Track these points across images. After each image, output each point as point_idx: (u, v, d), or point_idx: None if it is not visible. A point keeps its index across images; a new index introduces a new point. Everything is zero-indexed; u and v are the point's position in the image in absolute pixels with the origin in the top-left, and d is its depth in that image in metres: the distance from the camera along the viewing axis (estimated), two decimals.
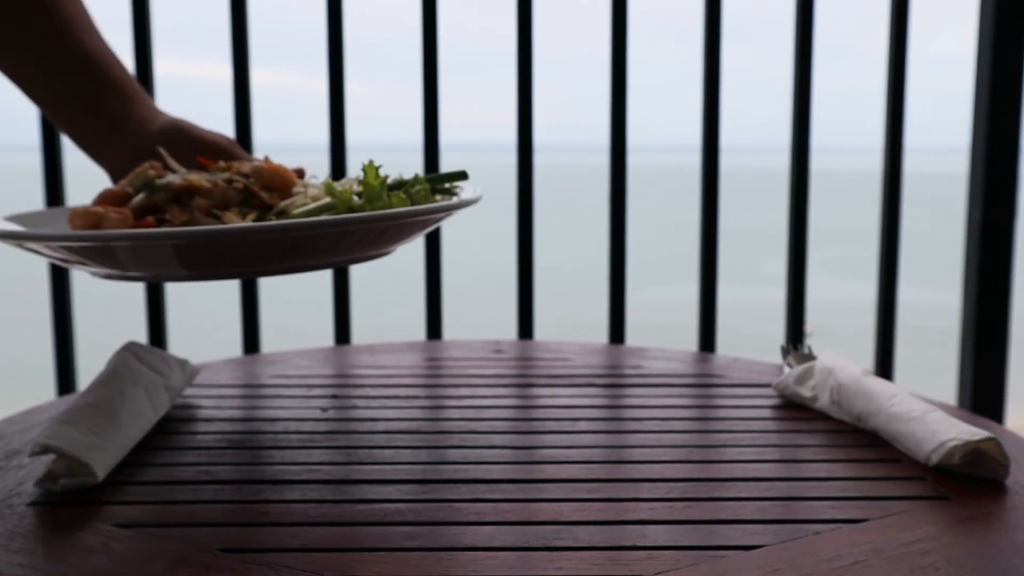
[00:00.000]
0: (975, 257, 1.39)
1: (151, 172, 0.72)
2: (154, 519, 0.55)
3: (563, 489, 0.60)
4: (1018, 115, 1.35)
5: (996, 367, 1.38)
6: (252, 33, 1.31)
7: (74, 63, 0.82)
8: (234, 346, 1.39)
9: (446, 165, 1.38)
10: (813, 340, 0.96)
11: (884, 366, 1.41)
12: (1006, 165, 1.37)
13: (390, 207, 0.68)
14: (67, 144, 1.47)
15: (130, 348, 0.77)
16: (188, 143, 0.80)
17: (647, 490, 0.60)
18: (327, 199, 0.69)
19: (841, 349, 0.80)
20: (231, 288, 1.45)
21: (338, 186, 0.70)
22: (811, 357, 0.84)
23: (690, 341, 1.37)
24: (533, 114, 1.36)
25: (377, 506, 0.57)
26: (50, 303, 1.38)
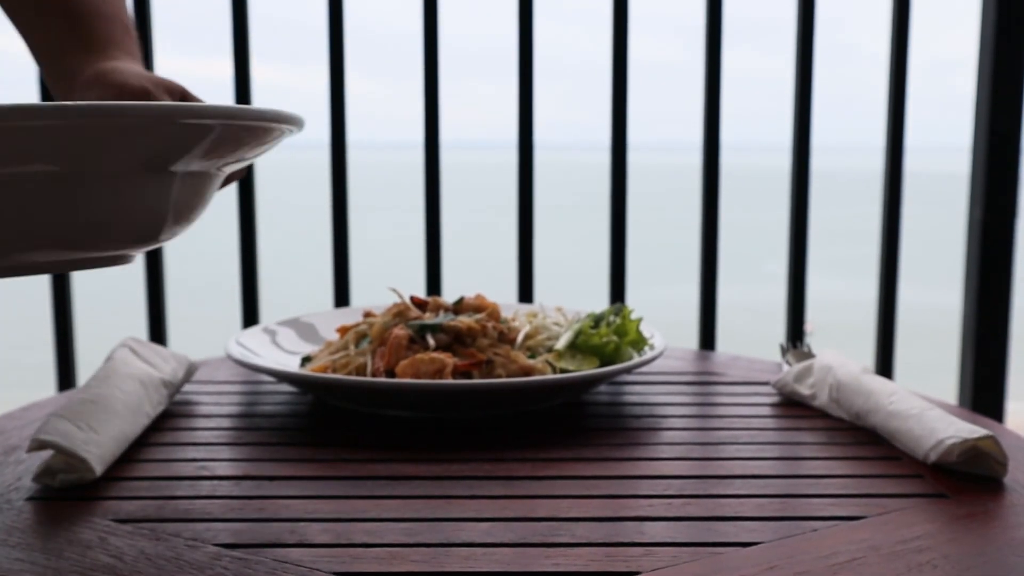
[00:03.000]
0: (976, 256, 1.39)
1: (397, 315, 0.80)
2: (151, 514, 0.55)
3: (561, 486, 0.60)
4: (1019, 115, 1.35)
5: (996, 366, 1.38)
6: (252, 29, 1.31)
7: (58, 13, 0.73)
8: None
9: (446, 163, 1.38)
10: (814, 339, 0.96)
11: (885, 365, 1.41)
12: (1007, 165, 1.36)
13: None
14: None
15: (129, 344, 0.77)
16: (110, 96, 0.69)
17: (645, 487, 0.60)
18: (570, 333, 0.80)
19: (842, 348, 0.80)
20: (231, 286, 1.45)
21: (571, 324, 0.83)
22: (810, 355, 0.84)
23: (690, 339, 1.37)
24: (534, 112, 1.36)
25: (374, 502, 0.57)
26: (50, 298, 1.38)
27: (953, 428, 0.62)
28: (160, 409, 0.72)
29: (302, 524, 0.54)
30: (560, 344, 0.79)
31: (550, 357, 0.78)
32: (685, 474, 0.62)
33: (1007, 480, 0.60)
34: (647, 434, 0.71)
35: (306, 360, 0.82)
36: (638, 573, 0.48)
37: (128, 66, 0.70)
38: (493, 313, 0.81)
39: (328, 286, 1.38)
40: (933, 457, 0.61)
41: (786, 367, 0.83)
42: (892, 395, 0.68)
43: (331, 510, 0.56)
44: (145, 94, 0.68)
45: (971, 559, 0.49)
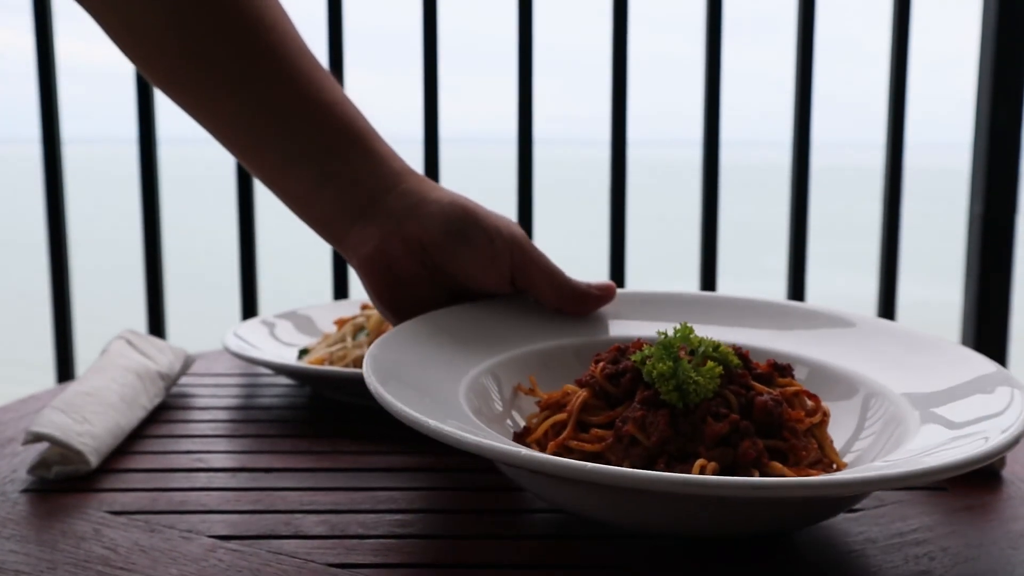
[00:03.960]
0: (976, 252, 1.39)
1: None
2: (147, 506, 0.55)
3: None
4: (1019, 110, 1.35)
5: (996, 361, 1.38)
6: None
7: (307, 113, 0.61)
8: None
9: (445, 159, 1.38)
10: None
11: None
12: (1007, 160, 1.36)
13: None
14: (67, 137, 1.47)
15: (125, 336, 0.77)
16: (475, 235, 0.61)
17: None
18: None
19: None
20: (231, 279, 1.45)
21: None
22: None
23: None
24: (533, 107, 1.35)
25: (369, 494, 0.57)
26: (49, 292, 1.38)
27: None
28: (157, 401, 0.72)
29: (297, 516, 0.54)
30: None
31: None
32: None
33: (1005, 473, 0.60)
34: None
35: (303, 352, 0.82)
36: (632, 566, 0.48)
37: (479, 206, 0.63)
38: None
39: (327, 279, 1.38)
40: None
41: None
42: None
43: (327, 502, 0.56)
44: (522, 243, 0.63)
45: (969, 551, 0.49)
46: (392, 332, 0.59)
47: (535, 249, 0.63)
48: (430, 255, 0.62)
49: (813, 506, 0.47)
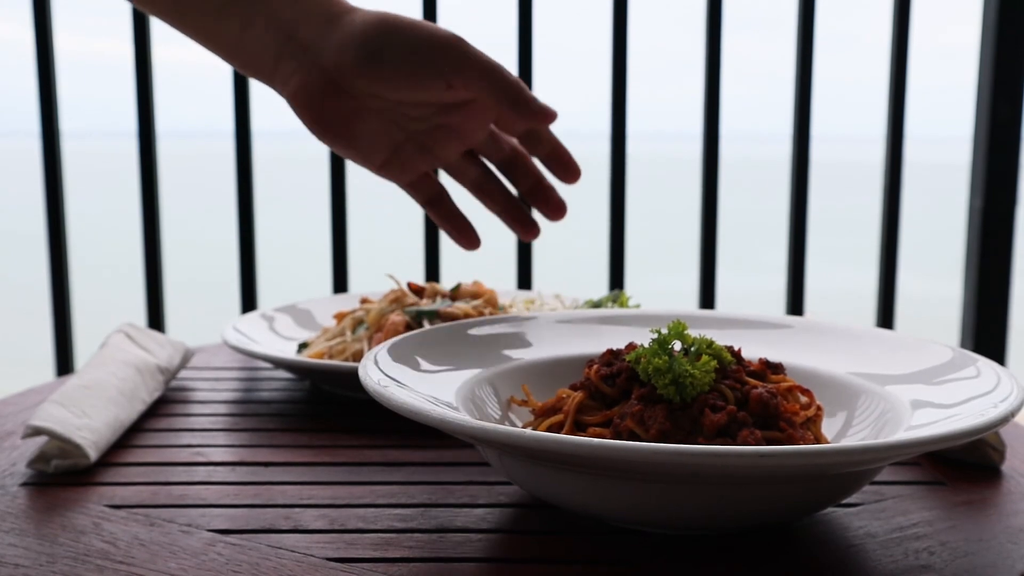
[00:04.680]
0: (976, 246, 1.39)
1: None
2: (146, 500, 0.55)
3: None
4: (1019, 104, 1.35)
5: (996, 355, 1.38)
6: None
7: None
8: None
9: None
10: None
11: None
12: (1007, 154, 1.36)
13: None
14: (66, 131, 1.46)
15: (124, 329, 0.77)
16: (392, 52, 0.58)
17: None
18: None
19: None
20: (230, 273, 1.45)
21: None
22: None
23: None
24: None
25: (368, 488, 0.57)
26: (48, 285, 1.38)
27: None
28: (156, 395, 0.72)
29: (297, 510, 0.54)
30: None
31: None
32: None
33: (1004, 468, 0.60)
34: None
35: (303, 346, 0.82)
36: (632, 561, 0.48)
37: (402, 17, 0.60)
38: (491, 300, 0.81)
39: (327, 273, 1.38)
40: None
41: None
42: None
43: (326, 496, 0.56)
44: (456, 46, 0.59)
45: (968, 546, 0.49)
46: (384, 346, 0.59)
47: (472, 48, 0.59)
48: (352, 83, 0.59)
49: (816, 489, 0.47)
